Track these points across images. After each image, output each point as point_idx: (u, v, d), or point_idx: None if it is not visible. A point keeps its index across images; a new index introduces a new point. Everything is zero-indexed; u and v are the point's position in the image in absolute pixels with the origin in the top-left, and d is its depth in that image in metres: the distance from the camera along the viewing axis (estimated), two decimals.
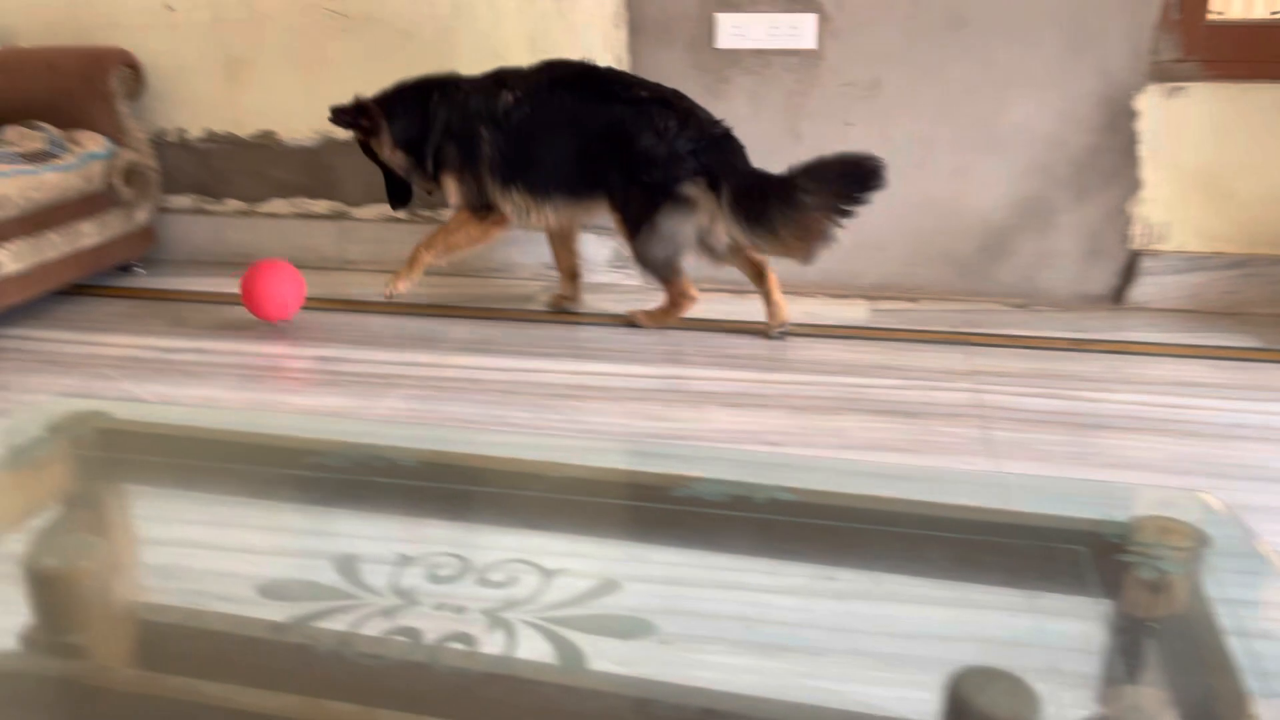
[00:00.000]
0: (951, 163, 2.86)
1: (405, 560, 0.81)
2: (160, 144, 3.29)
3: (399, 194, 2.89)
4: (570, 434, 2.17)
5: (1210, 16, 2.65)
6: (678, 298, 2.69)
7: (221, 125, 3.25)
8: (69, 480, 0.98)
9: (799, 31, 2.82)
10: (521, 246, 3.18)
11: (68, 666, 0.81)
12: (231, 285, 3.16)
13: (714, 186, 2.48)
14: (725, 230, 2.51)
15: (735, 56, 2.89)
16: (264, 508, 0.96)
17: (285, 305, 2.75)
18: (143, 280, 3.24)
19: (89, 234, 2.96)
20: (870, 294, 3.00)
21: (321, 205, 3.29)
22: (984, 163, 2.84)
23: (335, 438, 0.97)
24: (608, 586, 0.78)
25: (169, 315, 2.92)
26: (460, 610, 0.75)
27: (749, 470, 0.99)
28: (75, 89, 3.01)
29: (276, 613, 0.78)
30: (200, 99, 3.23)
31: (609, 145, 2.54)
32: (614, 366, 2.51)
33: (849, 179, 2.36)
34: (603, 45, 2.94)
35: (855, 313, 2.87)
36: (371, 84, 3.10)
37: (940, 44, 2.76)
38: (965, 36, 2.74)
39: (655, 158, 2.50)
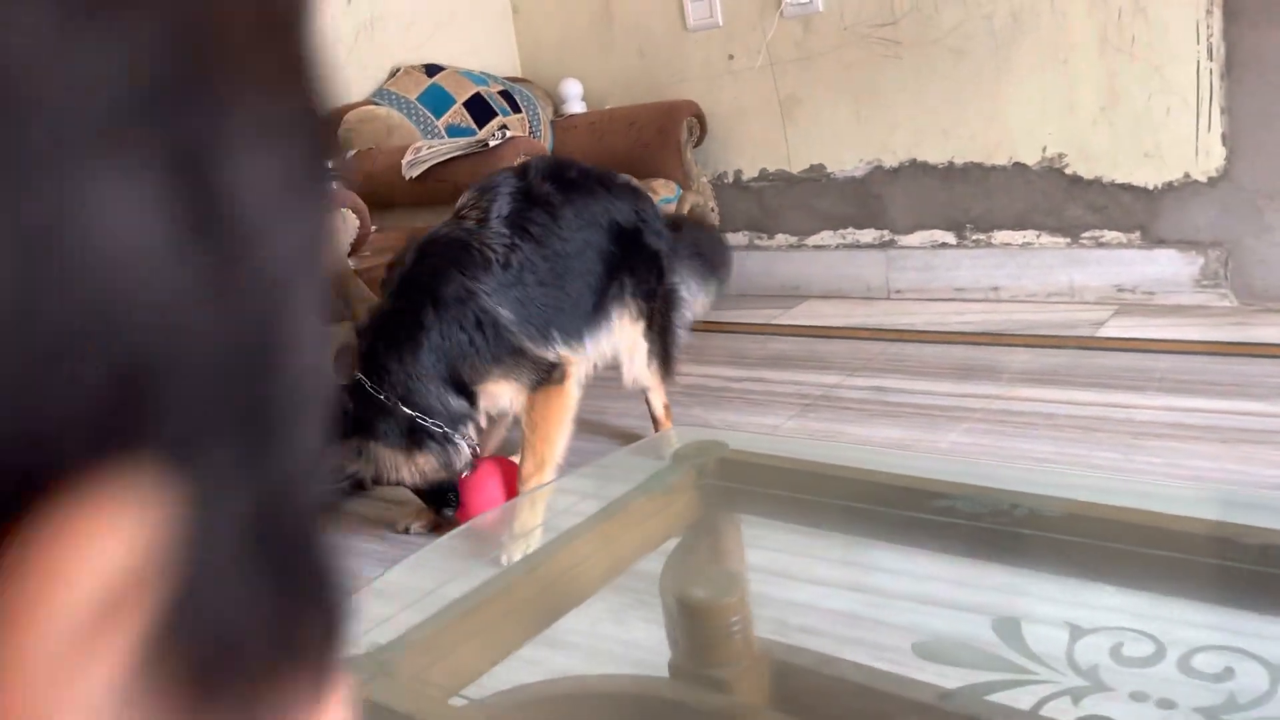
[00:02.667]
0: None
1: (1078, 631, 0.70)
2: (719, 185, 3.51)
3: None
4: (1178, 480, 1.88)
5: None
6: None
7: (774, 163, 3.39)
8: (695, 508, 1.01)
9: None
10: (1089, 268, 2.89)
11: (711, 700, 0.81)
12: (783, 317, 3.27)
13: None
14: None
15: None
16: (896, 551, 0.90)
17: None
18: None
19: None
20: None
21: (868, 234, 3.28)
22: None
23: (962, 480, 0.89)
24: None
25: (727, 346, 3.08)
26: (1168, 705, 0.62)
27: None
28: (651, 140, 3.32)
29: (930, 674, 0.71)
30: (755, 140, 3.40)
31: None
32: (1217, 402, 2.15)
33: None
34: (1193, 36, 2.58)
35: None
36: (922, 108, 3.03)
37: None
38: None
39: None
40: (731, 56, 3.35)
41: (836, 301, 3.34)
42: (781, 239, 3.46)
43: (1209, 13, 2.54)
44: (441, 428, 1.84)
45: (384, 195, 2.97)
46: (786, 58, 3.23)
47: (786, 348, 2.99)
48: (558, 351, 1.99)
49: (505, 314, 1.92)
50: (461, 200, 2.12)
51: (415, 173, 2.81)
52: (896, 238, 3.22)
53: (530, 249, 1.98)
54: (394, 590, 0.89)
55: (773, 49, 3.25)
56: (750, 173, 3.46)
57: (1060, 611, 0.74)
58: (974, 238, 3.08)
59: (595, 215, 2.14)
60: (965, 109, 2.97)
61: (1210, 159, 2.64)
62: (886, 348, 2.85)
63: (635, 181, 2.36)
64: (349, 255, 2.28)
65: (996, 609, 0.74)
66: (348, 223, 2.22)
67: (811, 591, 0.88)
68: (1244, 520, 0.77)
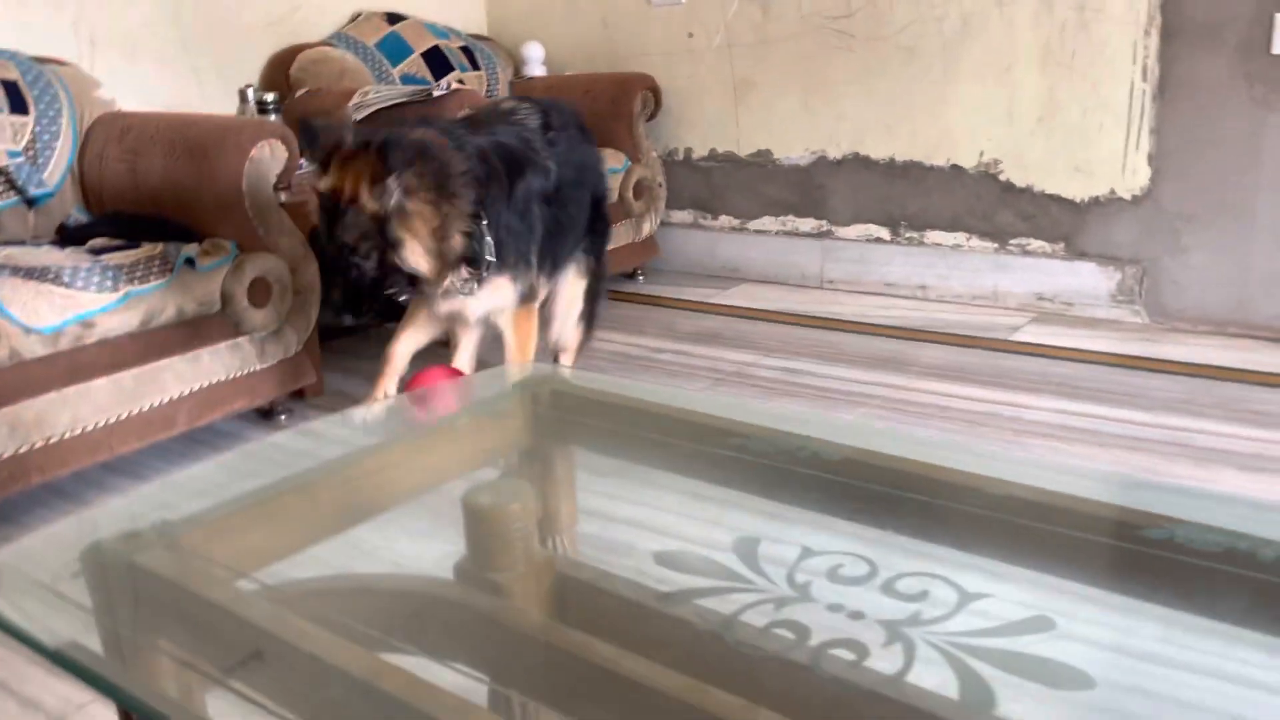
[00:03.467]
0: None
1: (808, 553, 0.74)
2: (669, 162, 3.54)
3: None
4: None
5: None
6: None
7: (724, 145, 3.42)
8: (521, 433, 1.05)
9: None
10: (1013, 274, 2.95)
11: (486, 602, 0.85)
12: (718, 296, 3.32)
13: None
14: None
15: None
16: (680, 482, 0.94)
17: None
18: (642, 287, 3.51)
19: None
20: None
21: (808, 223, 3.32)
22: None
23: (764, 424, 0.94)
24: (1038, 623, 0.64)
25: (660, 320, 3.12)
26: (857, 616, 0.66)
27: (1255, 521, 0.77)
28: (604, 110, 3.35)
29: (670, 583, 0.75)
30: (708, 120, 3.43)
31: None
32: (1106, 409, 2.22)
33: None
34: (1130, 56, 2.63)
35: None
36: (869, 103, 3.08)
37: None
38: None
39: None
40: (691, 34, 3.38)
41: (772, 286, 3.39)
42: (725, 220, 3.51)
43: (1147, 33, 2.60)
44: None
45: None
46: (744, 40, 3.27)
47: (717, 326, 3.04)
48: (540, 279, 2.11)
49: (539, 228, 2.04)
50: (510, 105, 2.21)
51: (360, 115, 2.82)
52: (834, 229, 3.27)
53: (557, 181, 2.09)
54: (194, 482, 0.93)
55: (731, 30, 3.28)
56: (700, 152, 3.49)
57: (802, 536, 0.79)
58: (908, 235, 3.13)
59: (593, 171, 2.28)
60: (910, 107, 3.01)
61: (1136, 178, 2.70)
62: (811, 334, 2.90)
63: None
64: (276, 187, 2.30)
65: (744, 530, 0.79)
66: (275, 153, 2.24)
67: (604, 509, 0.92)
68: (988, 473, 0.83)
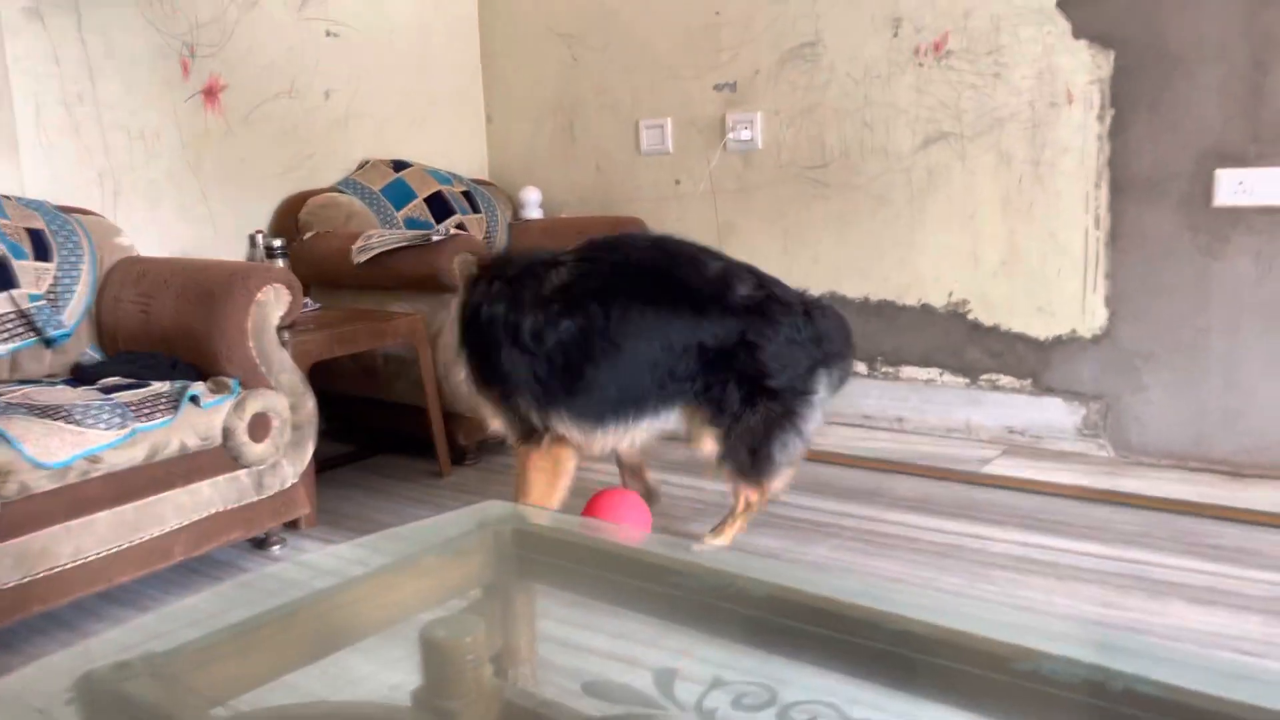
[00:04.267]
0: None
1: (718, 682, 0.84)
2: None
3: None
4: (1000, 608, 2.02)
5: None
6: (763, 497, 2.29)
7: None
8: (483, 569, 1.15)
9: None
10: (985, 409, 3.07)
11: None
12: None
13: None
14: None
15: (1238, 215, 2.60)
16: (621, 615, 1.04)
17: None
18: None
19: None
20: None
21: None
22: None
23: (697, 564, 1.04)
24: None
25: (662, 454, 3.23)
26: None
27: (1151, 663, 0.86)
28: None
29: (599, 710, 0.85)
30: None
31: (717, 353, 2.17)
32: (1067, 542, 2.31)
33: None
34: (1083, 206, 2.82)
35: None
36: (844, 246, 3.26)
37: None
38: None
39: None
40: (678, 181, 3.59)
41: None
42: None
43: (1097, 186, 2.79)
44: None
45: (334, 276, 3.17)
46: (727, 187, 3.48)
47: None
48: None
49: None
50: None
51: (362, 258, 3.01)
52: None
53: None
54: (186, 613, 1.03)
55: (715, 178, 3.50)
56: None
57: (715, 671, 0.88)
58: (884, 370, 3.27)
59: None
60: (882, 251, 3.19)
61: (1095, 318, 2.85)
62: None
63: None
64: (280, 328, 2.45)
65: (663, 663, 0.88)
66: (279, 298, 2.40)
67: (555, 645, 1.01)
68: (882, 608, 0.92)
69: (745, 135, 3.40)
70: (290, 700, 0.99)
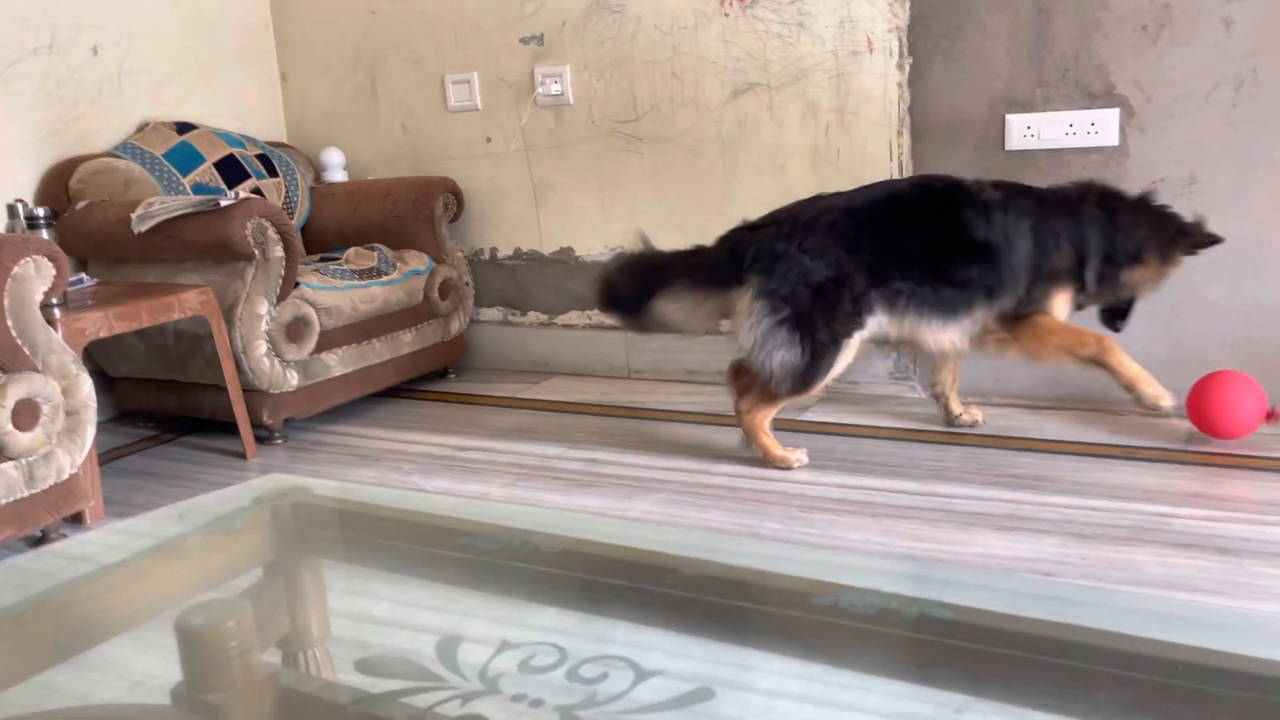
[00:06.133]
0: None
1: (505, 646, 0.78)
2: (475, 261, 3.60)
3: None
4: (816, 548, 2.04)
5: None
6: None
7: (528, 244, 3.51)
8: (260, 548, 1.05)
9: (1100, 129, 2.60)
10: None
11: None
12: (529, 391, 3.36)
13: None
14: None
15: (1029, 158, 2.71)
16: (403, 583, 0.96)
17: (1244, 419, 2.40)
18: (453, 385, 3.52)
19: (408, 342, 3.28)
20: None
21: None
22: None
23: (492, 520, 0.97)
24: (700, 694, 0.69)
25: (469, 418, 3.13)
26: (537, 704, 0.70)
27: (931, 585, 0.85)
28: (406, 213, 3.39)
29: (380, 687, 0.77)
30: (511, 220, 3.52)
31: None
32: (881, 481, 2.36)
33: None
34: (888, 153, 2.87)
35: (1167, 433, 2.51)
36: (660, 201, 3.23)
37: (1273, 135, 2.43)
38: None
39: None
40: (490, 139, 3.48)
41: (582, 379, 3.46)
42: (534, 316, 3.57)
43: (899, 133, 2.85)
44: None
45: (114, 249, 2.91)
46: (540, 144, 3.39)
47: (528, 420, 3.07)
48: None
49: None
50: None
51: (144, 227, 2.77)
52: None
53: None
54: None
55: (527, 135, 3.40)
56: (505, 251, 3.57)
57: (501, 631, 0.82)
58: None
59: None
60: (698, 204, 3.18)
61: None
62: (617, 424, 2.97)
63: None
64: (45, 305, 2.22)
65: (448, 629, 0.82)
66: (41, 271, 2.17)
67: (342, 621, 0.93)
68: (680, 554, 0.88)
69: (555, 89, 3.31)
70: (42, 704, 0.87)
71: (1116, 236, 2.32)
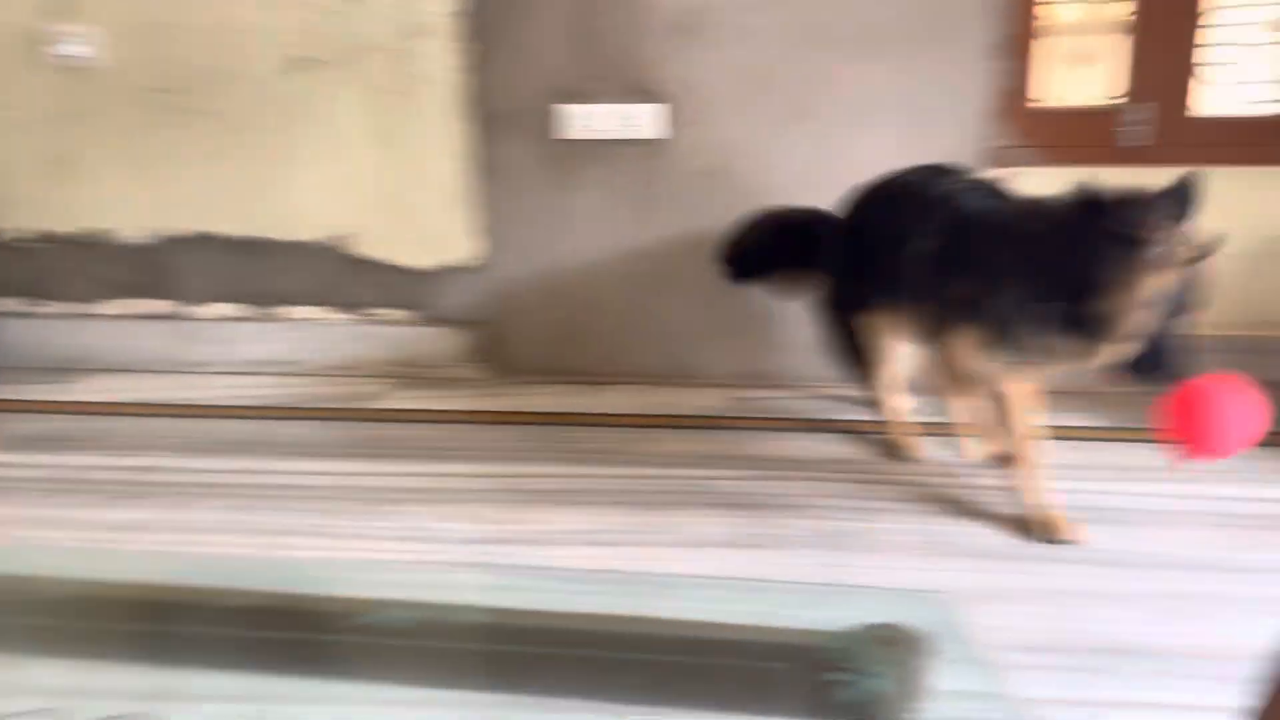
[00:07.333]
0: None
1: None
2: None
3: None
4: (394, 541, 2.02)
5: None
6: None
7: (47, 224, 3.08)
8: None
9: (644, 122, 2.79)
10: (373, 343, 3.04)
11: None
12: (58, 392, 2.95)
13: None
14: None
15: (587, 148, 2.84)
16: None
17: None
18: None
19: None
20: (724, 382, 2.92)
21: (160, 305, 3.11)
22: None
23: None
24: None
25: None
26: None
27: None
28: None
29: None
30: (26, 198, 3.06)
31: None
32: (456, 466, 2.37)
33: None
34: (450, 139, 2.86)
35: (708, 402, 2.78)
36: (214, 180, 2.98)
37: (785, 133, 2.75)
38: (810, 125, 2.73)
39: None
40: None
41: (126, 375, 3.11)
42: (60, 307, 3.15)
43: (461, 119, 2.86)
44: None
45: None
46: (56, 112, 2.97)
47: (63, 427, 2.70)
48: None
49: None
50: None
51: None
52: (190, 309, 3.10)
53: None
54: None
55: (41, 103, 2.97)
56: (20, 233, 3.10)
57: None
58: (268, 311, 3.08)
59: None
60: (258, 186, 2.98)
61: (470, 248, 2.95)
62: (168, 424, 2.71)
63: None
64: None
65: None
66: None
67: None
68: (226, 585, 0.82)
69: (77, 50, 2.92)
70: None
71: None
